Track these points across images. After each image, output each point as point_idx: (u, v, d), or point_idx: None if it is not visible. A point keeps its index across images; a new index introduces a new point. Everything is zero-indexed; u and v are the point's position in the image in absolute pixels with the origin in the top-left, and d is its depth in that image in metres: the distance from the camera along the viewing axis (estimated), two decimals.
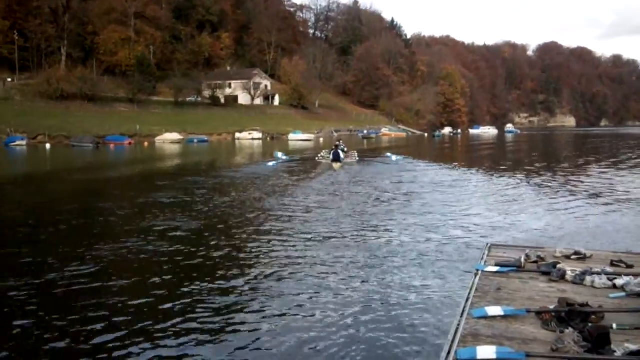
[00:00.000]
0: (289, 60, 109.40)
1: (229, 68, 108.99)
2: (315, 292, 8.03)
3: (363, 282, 8.59)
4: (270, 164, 31.92)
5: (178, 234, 12.21)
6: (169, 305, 7.47)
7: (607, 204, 16.66)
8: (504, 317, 4.55)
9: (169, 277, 8.86)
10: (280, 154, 36.94)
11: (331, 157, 30.39)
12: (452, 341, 4.12)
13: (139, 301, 7.66)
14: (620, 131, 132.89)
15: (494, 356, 3.76)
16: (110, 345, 6.18)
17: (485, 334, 4.24)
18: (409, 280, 8.64)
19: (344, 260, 9.78)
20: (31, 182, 25.63)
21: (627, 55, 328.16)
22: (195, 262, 9.78)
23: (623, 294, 5.13)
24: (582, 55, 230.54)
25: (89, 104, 74.86)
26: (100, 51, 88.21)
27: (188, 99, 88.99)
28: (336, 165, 29.01)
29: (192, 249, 10.71)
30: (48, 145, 54.80)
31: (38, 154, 46.22)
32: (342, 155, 30.74)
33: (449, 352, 3.92)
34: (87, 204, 17.71)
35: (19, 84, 74.19)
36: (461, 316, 4.65)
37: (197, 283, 8.44)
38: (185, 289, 8.16)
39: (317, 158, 33.31)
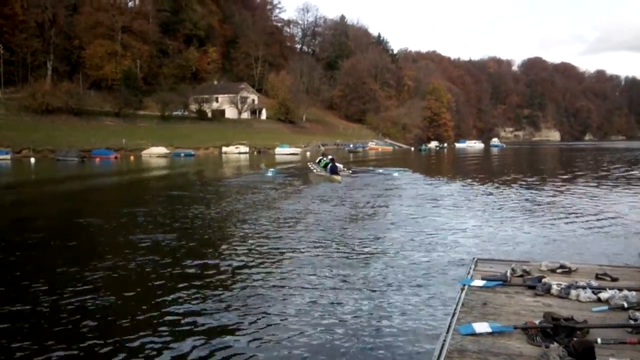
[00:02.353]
0: (276, 74, 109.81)
1: (216, 82, 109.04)
2: (301, 307, 7.99)
3: (347, 296, 8.55)
4: (269, 173, 32.73)
5: (163, 246, 12.11)
6: (155, 319, 7.40)
7: (591, 217, 16.78)
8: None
9: (151, 290, 8.78)
10: (266, 169, 37.13)
11: (329, 171, 30.46)
12: (438, 357, 4.11)
13: (124, 318, 7.58)
14: (604, 145, 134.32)
15: None
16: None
17: (471, 349, 4.24)
18: (393, 295, 8.62)
19: (329, 275, 9.74)
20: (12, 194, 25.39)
21: (610, 70, 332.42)
22: (185, 274, 9.71)
23: (606, 307, 5.16)
24: (566, 70, 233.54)
25: (74, 118, 74.51)
26: (87, 65, 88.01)
27: (175, 113, 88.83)
28: (337, 178, 29.22)
29: (183, 262, 10.63)
30: (33, 159, 54.37)
31: (22, 168, 45.82)
32: (341, 167, 31.26)
33: None
34: (68, 218, 17.53)
35: (4, 98, 73.77)
36: (447, 332, 4.65)
37: (184, 295, 8.38)
38: (169, 302, 8.09)
39: (310, 165, 35.55)
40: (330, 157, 34.18)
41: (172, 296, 8.52)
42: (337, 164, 31.60)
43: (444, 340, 4.44)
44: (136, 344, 6.64)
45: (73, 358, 6.22)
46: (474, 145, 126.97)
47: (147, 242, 12.70)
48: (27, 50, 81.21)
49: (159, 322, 7.39)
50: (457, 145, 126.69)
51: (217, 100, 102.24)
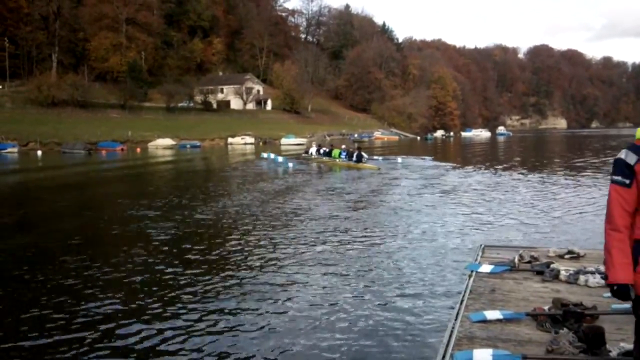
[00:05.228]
0: (281, 64, 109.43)
1: (220, 73, 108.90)
2: (305, 295, 7.99)
3: (356, 283, 8.56)
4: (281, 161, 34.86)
5: (171, 237, 12.14)
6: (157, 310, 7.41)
7: (599, 203, 16.70)
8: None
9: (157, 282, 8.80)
10: (274, 156, 38.16)
11: (355, 160, 31.52)
12: (447, 344, 4.09)
13: (129, 306, 7.60)
14: (611, 132, 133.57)
15: (491, 359, 3.74)
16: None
17: (480, 336, 4.22)
18: (402, 282, 8.61)
19: (336, 262, 9.75)
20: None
21: (617, 57, 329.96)
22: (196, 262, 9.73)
23: None
24: (573, 57, 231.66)
25: (80, 111, 74.62)
26: (92, 57, 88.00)
27: (180, 104, 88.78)
28: (373, 166, 30.45)
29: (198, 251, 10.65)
30: (39, 152, 54.54)
31: (29, 160, 45.98)
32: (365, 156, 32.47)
33: (444, 356, 3.89)
34: (76, 208, 17.59)
35: (10, 91, 73.91)
36: (456, 319, 4.63)
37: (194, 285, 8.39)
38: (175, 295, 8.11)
39: (304, 154, 37.67)
40: (343, 147, 36.44)
41: (171, 289, 8.54)
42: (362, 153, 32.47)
43: (453, 327, 4.42)
44: (134, 336, 6.66)
45: (74, 348, 6.24)
46: (480, 134, 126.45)
47: (147, 233, 12.73)
48: (32, 43, 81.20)
49: (153, 315, 7.41)
50: (463, 134, 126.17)
51: (222, 91, 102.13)
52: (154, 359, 6.01)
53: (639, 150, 3.08)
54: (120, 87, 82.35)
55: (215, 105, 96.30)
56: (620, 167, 3.11)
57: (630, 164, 3.07)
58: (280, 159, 36.49)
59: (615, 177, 3.12)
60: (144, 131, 69.58)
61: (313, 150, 38.87)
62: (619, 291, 3.03)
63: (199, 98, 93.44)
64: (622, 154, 3.14)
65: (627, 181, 3.07)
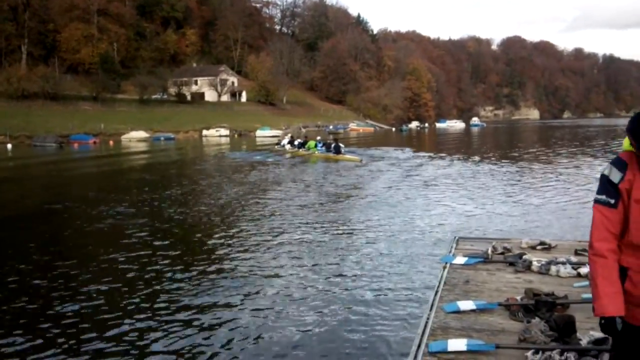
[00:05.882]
0: (256, 56, 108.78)
1: (194, 65, 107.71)
2: (278, 287, 8.04)
3: (331, 274, 8.61)
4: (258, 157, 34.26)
5: (145, 233, 12.06)
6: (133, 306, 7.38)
7: (570, 193, 17.01)
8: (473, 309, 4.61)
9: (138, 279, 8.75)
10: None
11: (332, 151, 31.49)
12: (422, 334, 4.15)
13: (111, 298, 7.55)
14: (581, 122, 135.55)
15: (465, 348, 3.81)
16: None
17: (454, 326, 4.29)
18: (377, 273, 8.69)
19: (310, 254, 9.79)
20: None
21: (588, 48, 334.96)
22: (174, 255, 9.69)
23: (587, 282, 5.23)
24: (545, 49, 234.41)
25: (51, 103, 73.24)
26: (62, 49, 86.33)
27: (153, 96, 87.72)
28: (354, 158, 30.32)
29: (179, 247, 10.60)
30: (9, 146, 53.50)
31: None
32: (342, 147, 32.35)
33: (419, 346, 3.95)
34: (44, 202, 17.35)
35: None
36: (430, 310, 4.69)
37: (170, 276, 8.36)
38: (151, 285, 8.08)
39: (276, 146, 37.91)
40: (318, 140, 36.17)
41: (151, 283, 8.51)
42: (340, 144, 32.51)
43: (428, 318, 4.49)
44: (123, 329, 6.63)
45: (68, 344, 6.20)
46: (455, 125, 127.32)
47: (119, 228, 12.63)
48: (1, 35, 79.40)
49: (137, 308, 7.38)
50: (438, 125, 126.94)
51: (196, 83, 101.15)
52: (131, 353, 5.99)
53: (624, 166, 2.71)
54: (93, 79, 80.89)
55: (189, 97, 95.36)
56: (604, 185, 2.77)
57: (614, 182, 2.72)
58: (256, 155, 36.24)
59: (599, 197, 2.78)
60: (117, 124, 68.65)
61: (285, 142, 38.51)
62: (607, 325, 2.67)
63: (172, 90, 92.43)
64: (606, 170, 2.78)
65: (612, 201, 2.72)
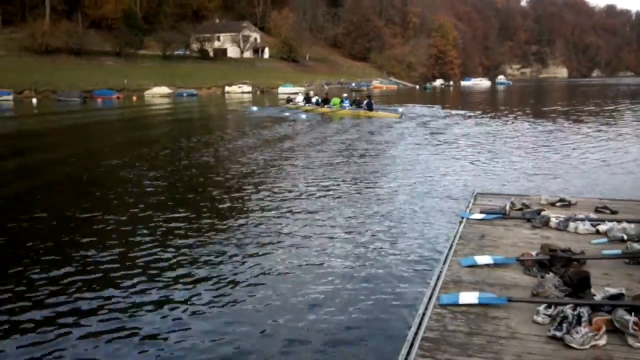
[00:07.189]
0: (279, 12, 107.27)
1: (217, 21, 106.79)
2: (298, 244, 8.06)
3: (348, 229, 8.63)
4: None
5: (163, 187, 12.17)
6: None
7: (594, 152, 16.72)
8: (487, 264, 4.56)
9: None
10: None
11: (365, 108, 30.91)
12: (434, 287, 4.13)
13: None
14: (609, 81, 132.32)
15: (476, 301, 3.78)
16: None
17: (467, 280, 4.26)
18: (393, 228, 8.68)
19: (330, 210, 9.79)
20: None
21: (620, 5, 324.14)
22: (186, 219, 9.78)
23: (605, 239, 5.16)
24: (576, 5, 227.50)
25: (75, 58, 73.53)
26: (85, 4, 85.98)
27: (176, 52, 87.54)
28: (394, 115, 29.78)
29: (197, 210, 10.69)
30: (34, 100, 54.03)
31: (24, 108, 45.58)
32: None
33: (430, 298, 3.93)
34: (72, 155, 17.57)
35: (3, 38, 72.53)
36: (444, 263, 4.67)
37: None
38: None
39: (290, 104, 37.07)
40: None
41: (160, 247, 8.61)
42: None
43: (440, 272, 4.46)
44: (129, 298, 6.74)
45: (74, 312, 6.32)
46: (480, 83, 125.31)
47: (139, 183, 12.76)
48: None
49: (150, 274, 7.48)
50: (463, 83, 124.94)
51: (219, 39, 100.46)
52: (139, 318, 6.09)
53: None
54: (116, 35, 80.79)
55: (212, 54, 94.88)
56: None
57: None
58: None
59: None
60: (140, 79, 68.77)
61: (300, 99, 37.26)
62: None
63: (195, 46, 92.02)
64: None
65: None
